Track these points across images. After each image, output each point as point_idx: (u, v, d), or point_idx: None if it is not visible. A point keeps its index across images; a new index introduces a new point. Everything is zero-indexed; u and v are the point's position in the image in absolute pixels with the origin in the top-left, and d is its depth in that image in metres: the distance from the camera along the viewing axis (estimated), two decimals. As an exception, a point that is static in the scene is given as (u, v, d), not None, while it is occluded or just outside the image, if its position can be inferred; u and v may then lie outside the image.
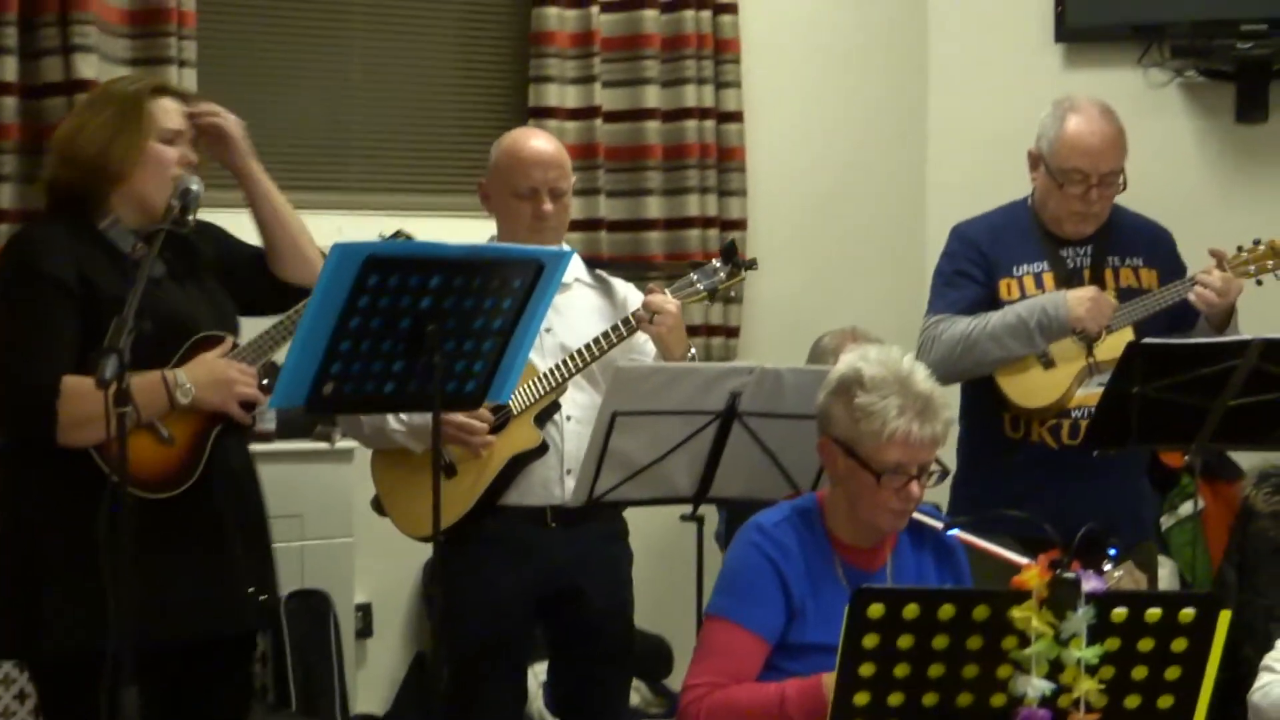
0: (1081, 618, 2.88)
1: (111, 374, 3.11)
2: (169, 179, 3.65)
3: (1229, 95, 6.04)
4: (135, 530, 3.18)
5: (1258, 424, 4.11)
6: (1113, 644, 2.91)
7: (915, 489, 3.42)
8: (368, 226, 5.23)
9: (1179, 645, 2.93)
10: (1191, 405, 4.03)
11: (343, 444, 4.99)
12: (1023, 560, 3.18)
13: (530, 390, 4.10)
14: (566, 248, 4.01)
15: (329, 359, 3.32)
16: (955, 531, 3.59)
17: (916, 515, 3.50)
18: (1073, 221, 4.41)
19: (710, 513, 4.55)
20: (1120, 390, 4.02)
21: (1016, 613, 2.88)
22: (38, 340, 3.55)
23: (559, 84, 5.61)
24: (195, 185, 3.61)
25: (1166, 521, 5.66)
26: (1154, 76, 6.07)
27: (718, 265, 4.23)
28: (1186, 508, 5.57)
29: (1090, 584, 2.90)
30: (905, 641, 2.87)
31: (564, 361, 4.12)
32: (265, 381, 3.71)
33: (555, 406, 4.16)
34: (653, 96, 5.73)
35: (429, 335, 3.36)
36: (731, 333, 5.92)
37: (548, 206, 4.17)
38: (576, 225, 5.20)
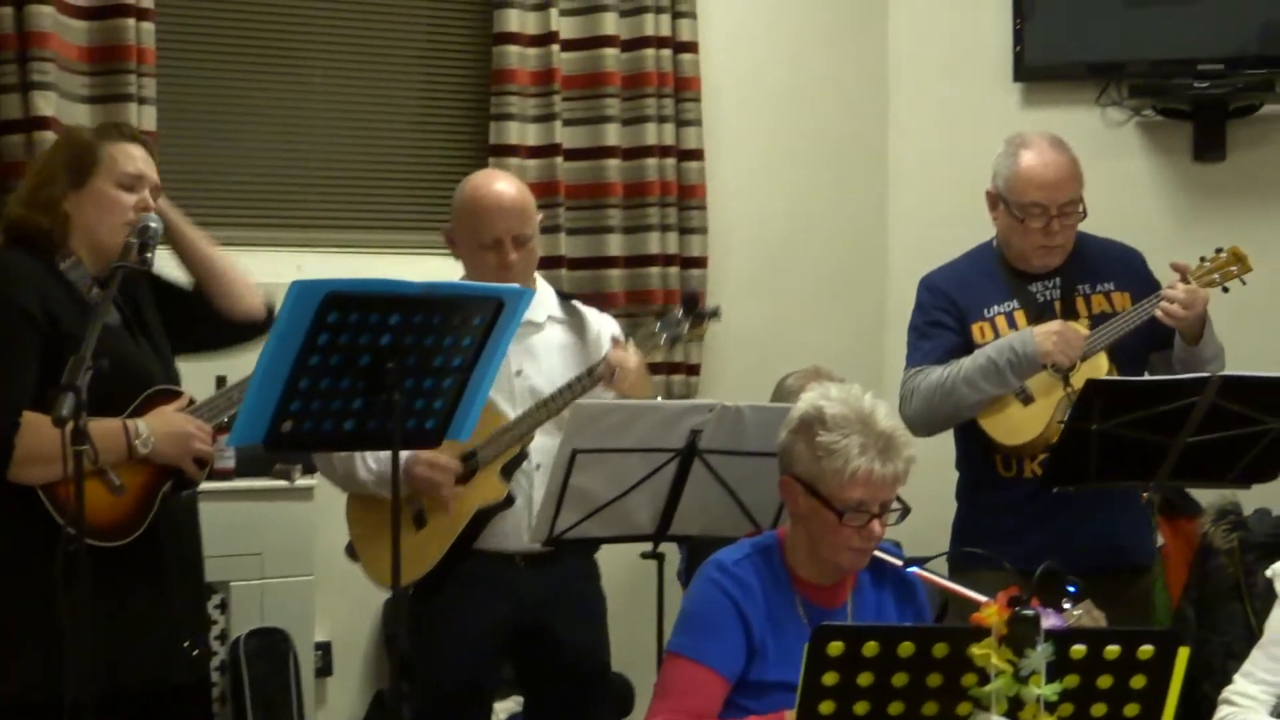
0: (1041, 654, 2.88)
1: (69, 412, 3.10)
2: (121, 223, 3.65)
3: (1186, 134, 6.08)
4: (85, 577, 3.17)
5: (1216, 461, 4.11)
6: (1072, 681, 2.90)
7: (877, 527, 3.42)
8: (327, 264, 5.24)
9: (1138, 682, 2.93)
10: (1150, 442, 4.04)
11: (303, 482, 4.97)
12: (982, 598, 3.18)
13: (497, 442, 4.10)
14: (532, 286, 4.02)
15: (288, 397, 3.31)
16: (914, 569, 3.59)
17: (877, 553, 3.51)
18: (1038, 255, 4.43)
19: (671, 550, 4.54)
20: (1079, 427, 4.03)
21: (976, 650, 2.87)
22: (1, 371, 3.53)
23: (520, 122, 5.61)
24: (155, 223, 3.63)
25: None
26: (1112, 115, 6.11)
27: (679, 315, 4.25)
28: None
29: (1049, 621, 2.90)
30: (865, 679, 2.86)
31: (530, 412, 4.11)
32: (227, 419, 3.70)
33: (523, 456, 4.15)
34: (613, 134, 5.74)
35: (389, 373, 3.35)
36: (692, 370, 5.92)
37: (512, 257, 4.16)
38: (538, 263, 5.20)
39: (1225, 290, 4.34)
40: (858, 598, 3.57)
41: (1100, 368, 4.29)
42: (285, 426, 3.36)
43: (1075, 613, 3.33)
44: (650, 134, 5.78)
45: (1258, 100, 5.96)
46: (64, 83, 4.75)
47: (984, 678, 2.88)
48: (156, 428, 3.62)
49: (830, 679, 2.86)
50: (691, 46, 5.89)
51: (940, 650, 2.88)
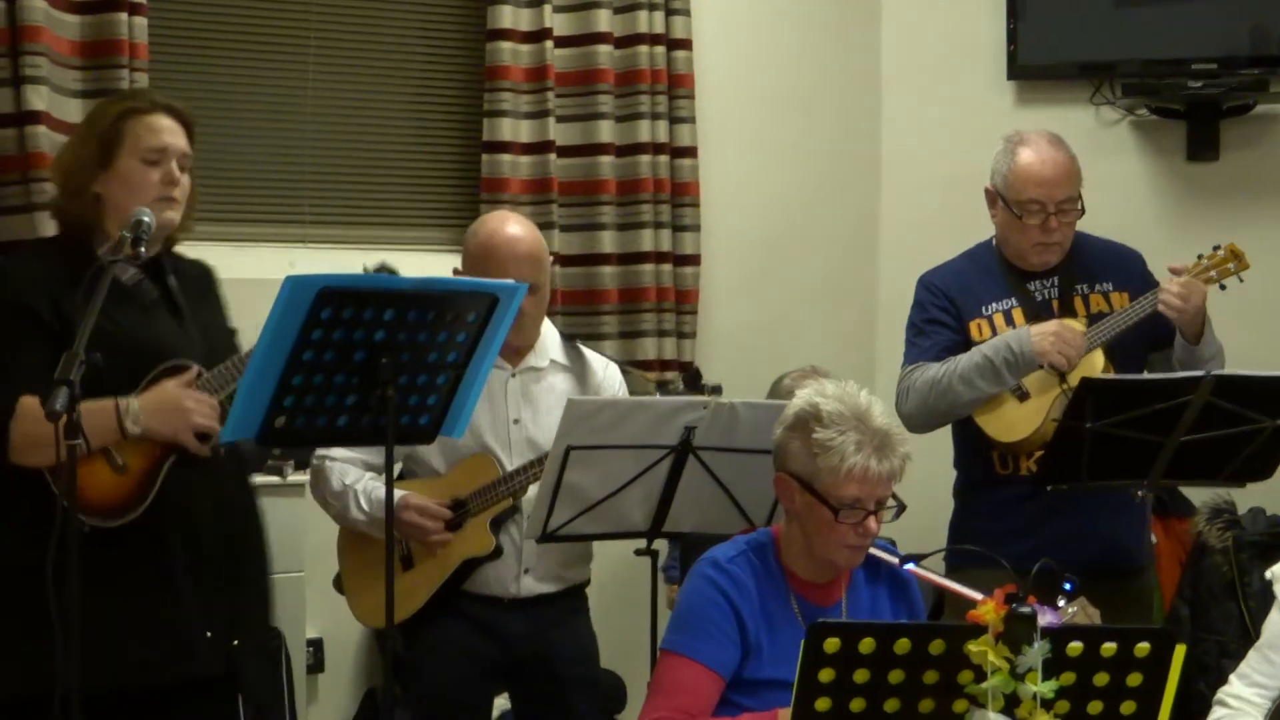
0: (1037, 652, 2.87)
1: (61, 406, 3.08)
2: (149, 200, 3.61)
3: (1180, 134, 6.08)
4: (79, 569, 3.13)
5: (1210, 460, 4.12)
6: (1068, 678, 2.90)
7: (872, 524, 3.41)
8: (321, 260, 5.23)
9: (1134, 680, 2.93)
10: (1143, 441, 4.04)
11: (295, 478, 4.95)
12: (978, 595, 3.18)
13: (490, 494, 4.09)
14: (538, 334, 4.10)
15: (281, 392, 3.30)
16: (911, 566, 3.58)
17: (872, 550, 3.50)
18: (1036, 253, 4.43)
19: (664, 547, 4.54)
20: (1072, 426, 4.02)
21: (972, 647, 2.87)
22: None
23: (513, 119, 5.60)
24: (147, 217, 3.53)
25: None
26: (1105, 115, 6.11)
27: (681, 389, 4.24)
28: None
29: (1046, 618, 2.90)
30: (861, 676, 2.86)
31: (524, 468, 4.09)
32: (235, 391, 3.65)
33: (514, 509, 4.14)
34: (607, 131, 5.73)
35: (382, 368, 3.34)
36: (684, 367, 5.90)
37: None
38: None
39: (1223, 288, 4.34)
40: (852, 595, 3.56)
41: (1096, 365, 4.30)
42: (279, 422, 3.35)
43: (1070, 610, 3.33)
44: (644, 131, 5.77)
45: (1251, 100, 5.96)
46: (56, 77, 4.73)
47: (980, 675, 2.88)
48: (148, 404, 3.54)
49: (826, 676, 2.85)
50: (685, 43, 5.88)
51: (937, 647, 2.88)
